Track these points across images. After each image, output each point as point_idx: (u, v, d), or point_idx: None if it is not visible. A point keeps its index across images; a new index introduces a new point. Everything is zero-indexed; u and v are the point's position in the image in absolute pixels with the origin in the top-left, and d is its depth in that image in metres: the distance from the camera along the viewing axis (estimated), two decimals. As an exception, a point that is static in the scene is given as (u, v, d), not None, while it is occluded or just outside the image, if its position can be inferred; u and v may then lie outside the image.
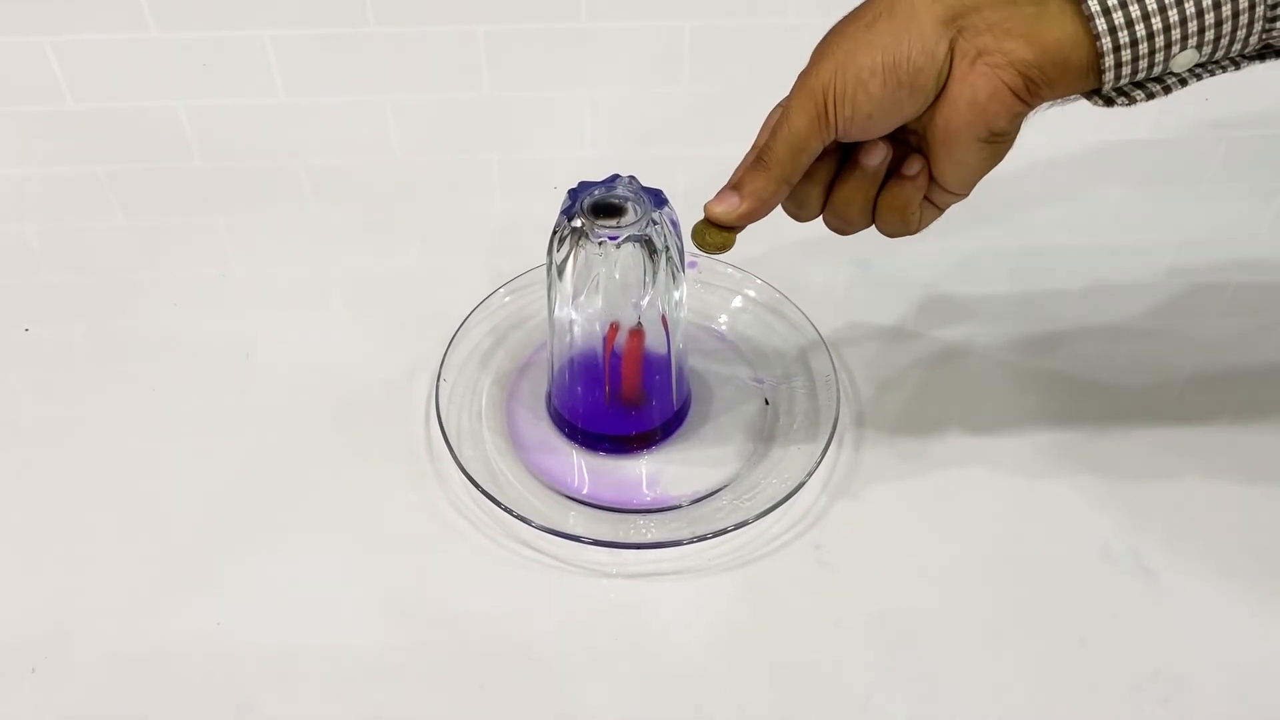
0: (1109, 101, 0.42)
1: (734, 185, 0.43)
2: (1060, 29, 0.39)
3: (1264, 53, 0.41)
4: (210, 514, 0.51)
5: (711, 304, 0.60)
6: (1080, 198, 0.68)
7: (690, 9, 0.81)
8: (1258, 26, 0.39)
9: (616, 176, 0.48)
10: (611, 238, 0.47)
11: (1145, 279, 0.63)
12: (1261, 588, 0.49)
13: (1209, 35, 0.39)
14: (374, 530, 0.51)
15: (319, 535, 0.51)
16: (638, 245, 0.47)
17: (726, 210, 0.43)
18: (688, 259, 0.51)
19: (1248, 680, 0.46)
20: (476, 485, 0.50)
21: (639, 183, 0.48)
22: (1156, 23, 0.39)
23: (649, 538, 0.50)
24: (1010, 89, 0.40)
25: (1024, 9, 0.39)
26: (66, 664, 0.46)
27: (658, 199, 0.48)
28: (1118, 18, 0.38)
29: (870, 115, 0.41)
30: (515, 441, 0.54)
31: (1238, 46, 0.40)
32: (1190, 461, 0.54)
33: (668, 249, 0.48)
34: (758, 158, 0.43)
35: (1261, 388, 0.58)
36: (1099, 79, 0.40)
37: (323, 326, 0.61)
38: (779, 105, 0.44)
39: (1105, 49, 0.39)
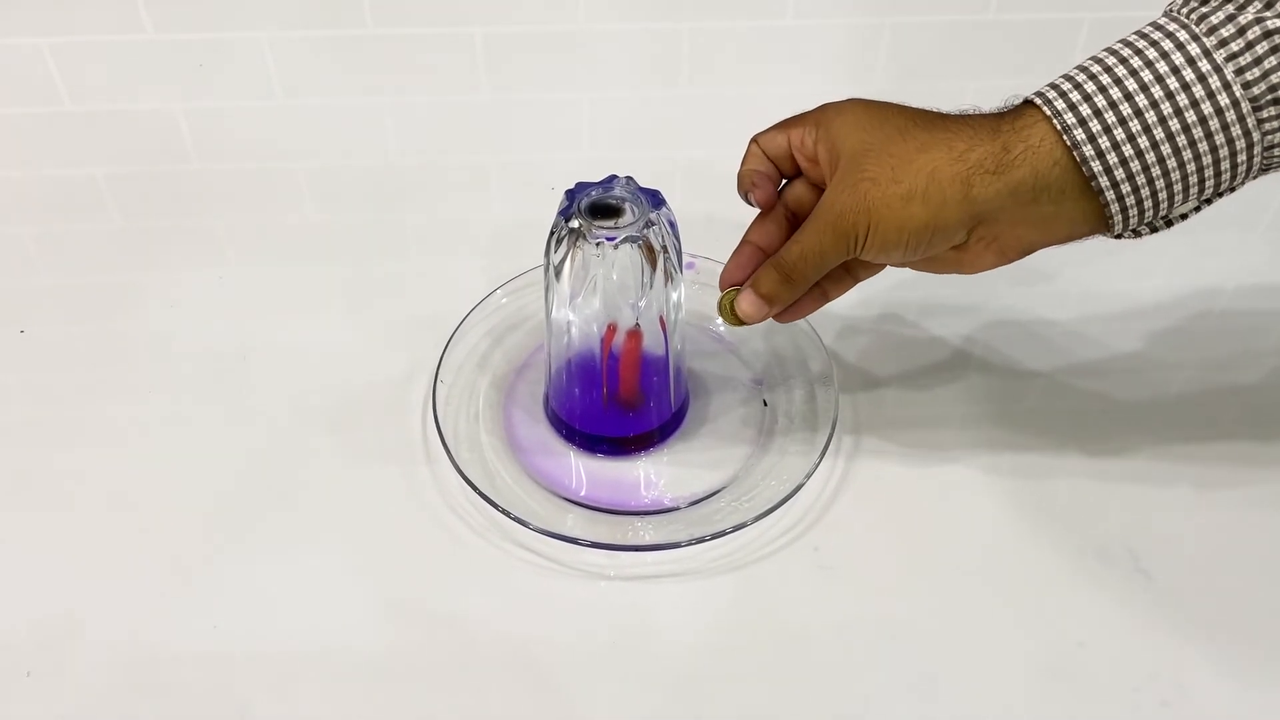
0: (1117, 236, 0.45)
1: (761, 294, 0.48)
2: (1072, 221, 0.44)
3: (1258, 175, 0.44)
4: (206, 516, 0.51)
5: (709, 305, 0.60)
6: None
7: (688, 11, 0.81)
8: (1255, 168, 0.42)
9: (614, 177, 0.48)
10: (609, 238, 0.47)
11: (1145, 281, 0.63)
12: (1259, 587, 0.49)
13: (1208, 191, 0.43)
14: (371, 533, 0.51)
15: (316, 538, 0.50)
16: (635, 246, 0.47)
17: (757, 314, 0.49)
18: (685, 260, 0.51)
19: (1247, 680, 0.46)
20: (474, 488, 0.50)
21: (636, 183, 0.48)
22: (1163, 196, 0.42)
23: (647, 540, 0.50)
24: (1011, 261, 0.46)
25: (1043, 208, 0.43)
26: (62, 668, 0.46)
27: (655, 199, 0.48)
28: (1130, 201, 0.42)
29: (888, 261, 0.47)
30: (513, 444, 0.54)
31: (1237, 184, 0.43)
32: (1187, 463, 0.54)
33: (665, 250, 0.48)
34: (785, 275, 0.47)
35: (1257, 389, 0.58)
36: (1105, 231, 0.45)
37: (319, 328, 0.60)
38: (777, 129, 0.49)
39: (1115, 223, 0.43)
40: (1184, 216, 0.45)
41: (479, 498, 0.50)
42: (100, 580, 0.49)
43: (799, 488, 0.51)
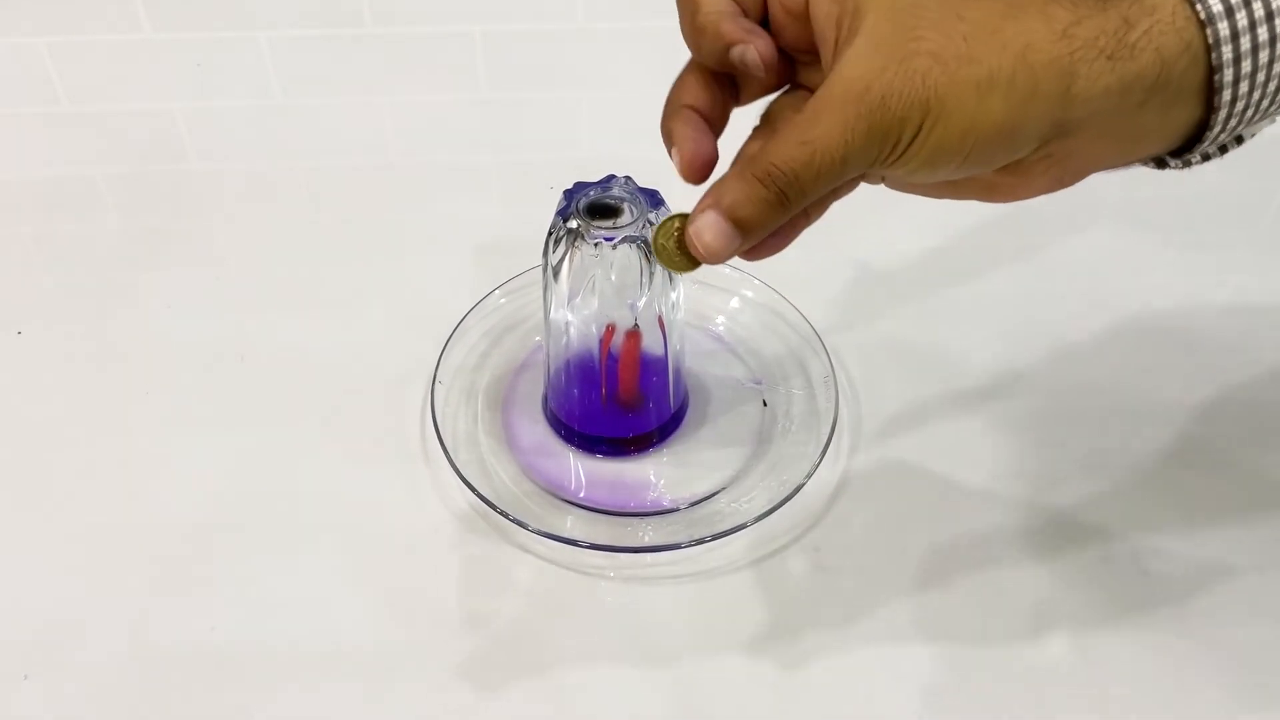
0: (1161, 165, 0.36)
1: (737, 218, 0.34)
2: (1162, 136, 0.34)
3: None
4: (204, 517, 0.51)
5: (709, 305, 0.60)
6: (1081, 194, 0.68)
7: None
8: None
9: (612, 177, 0.48)
10: (607, 239, 0.46)
11: (1145, 279, 0.63)
12: (1262, 588, 0.49)
13: None
14: (369, 534, 0.50)
15: (314, 539, 0.50)
16: (634, 246, 0.47)
17: (727, 249, 0.35)
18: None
19: (1250, 681, 0.46)
20: (473, 489, 0.50)
21: (635, 183, 0.48)
22: (1266, 103, 0.34)
23: (647, 541, 0.50)
24: (1062, 188, 0.35)
25: (1146, 117, 0.33)
26: (60, 671, 0.46)
27: (654, 199, 0.48)
28: (1241, 105, 0.33)
29: (926, 178, 0.34)
30: (512, 445, 0.54)
31: None
32: (1189, 463, 0.53)
33: (664, 250, 0.48)
34: (779, 190, 0.34)
35: (1261, 388, 0.57)
36: (1180, 156, 0.36)
37: (317, 329, 0.60)
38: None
39: (1210, 135, 0.34)
40: (1240, 141, 0.37)
41: (478, 499, 0.50)
42: (98, 581, 0.49)
43: (799, 488, 0.51)
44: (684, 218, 0.36)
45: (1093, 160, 0.34)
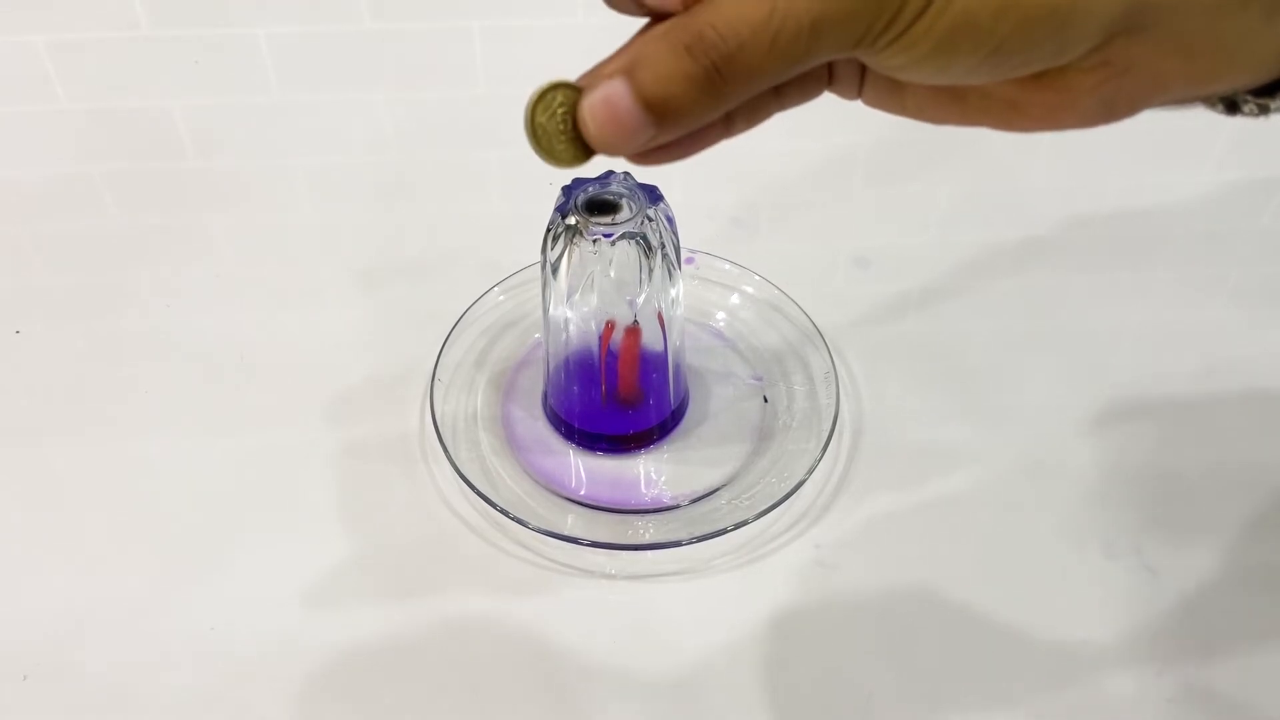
0: (1233, 108, 0.30)
1: (652, 97, 0.26)
2: (1265, 49, 0.27)
3: None
4: (203, 516, 0.51)
5: (709, 301, 0.59)
6: (1082, 188, 0.68)
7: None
8: None
9: (611, 173, 0.48)
10: (606, 235, 0.46)
11: (1148, 274, 0.63)
12: (1264, 585, 0.49)
13: None
14: (369, 533, 0.50)
15: (313, 538, 0.50)
16: (633, 242, 0.47)
17: (631, 138, 0.27)
18: (685, 255, 0.51)
19: (1252, 680, 0.45)
20: (472, 487, 0.50)
21: (634, 179, 0.48)
22: None
23: (647, 538, 0.50)
24: (1106, 122, 0.29)
25: (1248, 21, 0.26)
26: (59, 671, 0.46)
27: (653, 195, 0.47)
28: None
29: (938, 78, 0.26)
30: (511, 442, 0.54)
31: None
32: (1192, 458, 0.53)
33: (663, 246, 0.48)
34: (712, 66, 0.25)
35: (1264, 381, 0.57)
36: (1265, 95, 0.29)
37: (316, 326, 0.60)
38: None
39: None
40: None
41: (478, 497, 0.50)
42: (96, 581, 0.48)
43: (800, 485, 0.50)
44: (572, 91, 0.27)
45: (1158, 81, 0.27)
